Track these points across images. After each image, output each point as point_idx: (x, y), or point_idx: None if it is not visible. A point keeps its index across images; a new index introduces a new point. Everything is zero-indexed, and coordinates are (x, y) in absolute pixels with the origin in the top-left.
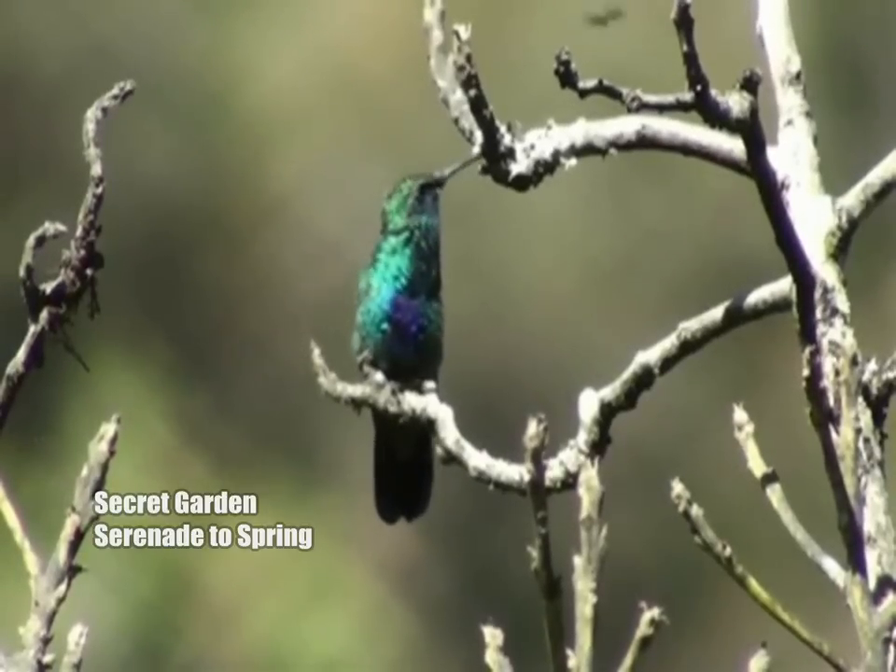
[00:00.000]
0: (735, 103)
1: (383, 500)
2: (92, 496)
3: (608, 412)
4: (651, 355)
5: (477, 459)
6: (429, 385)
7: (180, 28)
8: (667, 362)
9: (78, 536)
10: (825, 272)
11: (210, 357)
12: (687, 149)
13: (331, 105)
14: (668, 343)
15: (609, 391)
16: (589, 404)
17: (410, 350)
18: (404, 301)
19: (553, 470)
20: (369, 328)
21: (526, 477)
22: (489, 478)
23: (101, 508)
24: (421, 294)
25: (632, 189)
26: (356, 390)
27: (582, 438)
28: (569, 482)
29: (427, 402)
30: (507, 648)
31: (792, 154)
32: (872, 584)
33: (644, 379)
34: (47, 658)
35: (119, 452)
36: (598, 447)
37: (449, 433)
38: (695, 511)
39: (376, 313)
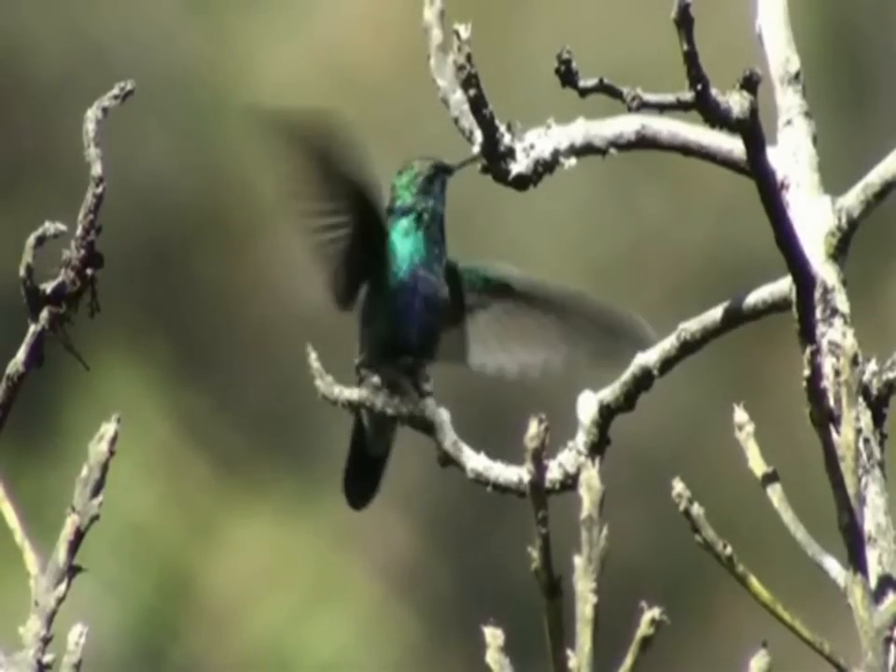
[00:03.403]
0: (736, 102)
1: (350, 490)
2: (92, 496)
3: (606, 413)
4: (650, 356)
5: (475, 461)
6: (427, 387)
7: (180, 27)
8: (667, 363)
9: (78, 536)
10: (825, 272)
11: (211, 356)
12: (687, 149)
13: (330, 104)
14: (668, 344)
15: (609, 392)
16: (588, 406)
17: (431, 321)
18: (424, 273)
19: (553, 472)
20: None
21: (526, 478)
22: (487, 480)
23: (100, 507)
24: (437, 273)
25: (632, 190)
26: (353, 393)
27: (581, 439)
28: (568, 483)
29: (425, 405)
30: (507, 648)
31: (792, 154)
32: (872, 584)
33: (643, 381)
34: (47, 658)
35: (119, 452)
36: (597, 448)
37: (447, 435)
38: (696, 510)
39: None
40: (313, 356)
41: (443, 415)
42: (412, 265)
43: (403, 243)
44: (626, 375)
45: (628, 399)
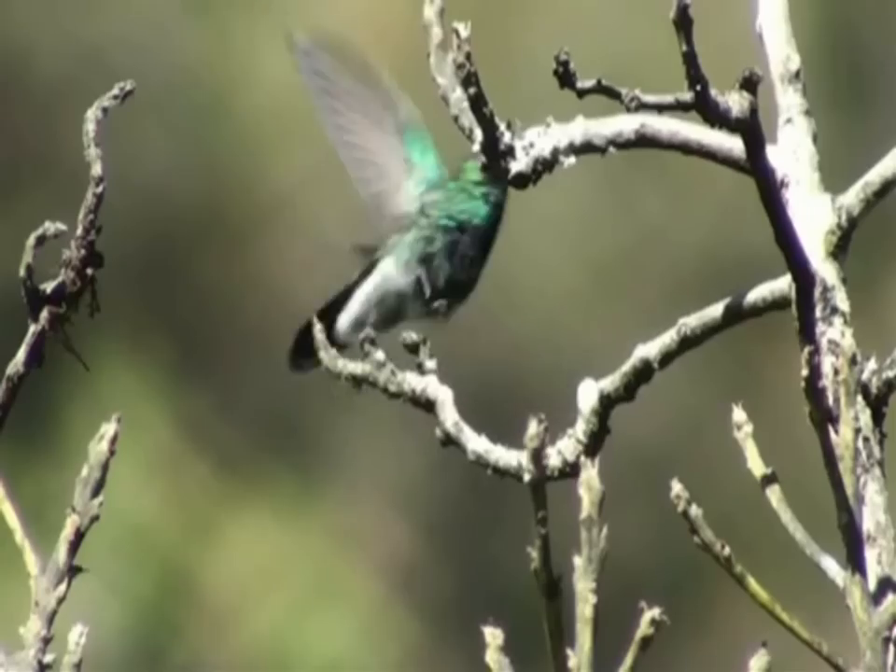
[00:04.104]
0: (735, 102)
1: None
2: (92, 496)
3: (606, 403)
4: (650, 349)
5: (475, 443)
6: (430, 364)
7: (179, 28)
8: (667, 357)
9: (78, 536)
10: (824, 270)
11: (211, 356)
12: (687, 148)
13: None
14: (668, 339)
15: (609, 382)
16: (588, 394)
17: (461, 277)
18: (476, 236)
19: (551, 459)
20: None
21: (526, 477)
22: (487, 462)
23: (101, 507)
24: (479, 249)
25: (632, 190)
26: (356, 367)
27: (581, 428)
28: (566, 470)
29: (428, 383)
30: (507, 648)
31: (792, 152)
32: (871, 584)
33: (643, 372)
34: (47, 658)
35: (120, 452)
36: (597, 437)
37: (448, 415)
38: (694, 510)
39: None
40: (318, 327)
41: (446, 394)
42: (470, 220)
43: (471, 199)
44: (627, 366)
45: (628, 390)
